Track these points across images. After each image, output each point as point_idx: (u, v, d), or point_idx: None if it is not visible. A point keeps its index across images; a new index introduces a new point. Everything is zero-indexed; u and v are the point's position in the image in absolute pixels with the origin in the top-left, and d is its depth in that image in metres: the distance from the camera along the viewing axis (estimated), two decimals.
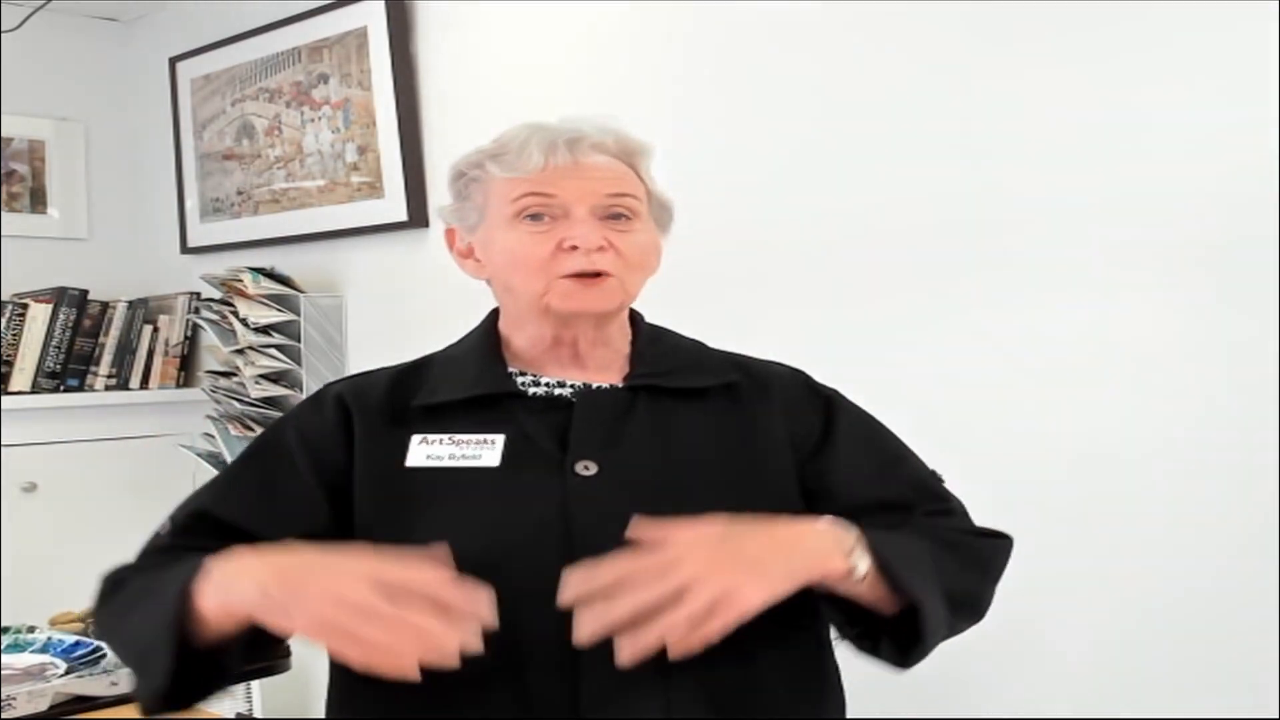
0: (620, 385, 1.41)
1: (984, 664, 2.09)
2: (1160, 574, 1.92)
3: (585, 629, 1.12)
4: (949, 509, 1.42)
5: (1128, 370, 1.95)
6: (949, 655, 2.06)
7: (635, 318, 1.48)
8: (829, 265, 2.27)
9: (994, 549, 1.41)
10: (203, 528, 1.32)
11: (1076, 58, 1.98)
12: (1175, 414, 1.91)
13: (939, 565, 1.28)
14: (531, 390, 1.40)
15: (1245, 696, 1.83)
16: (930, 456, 2.12)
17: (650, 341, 1.46)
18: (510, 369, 1.42)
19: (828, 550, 1.20)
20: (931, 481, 1.44)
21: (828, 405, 1.45)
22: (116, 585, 1.33)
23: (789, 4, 2.31)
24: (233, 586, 1.15)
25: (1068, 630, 2.01)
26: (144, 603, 1.23)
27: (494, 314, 1.48)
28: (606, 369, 1.42)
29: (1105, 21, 1.95)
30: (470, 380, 1.40)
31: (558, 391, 1.40)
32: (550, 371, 1.41)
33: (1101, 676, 1.98)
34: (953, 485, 2.10)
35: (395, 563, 1.14)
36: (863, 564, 1.20)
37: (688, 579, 1.11)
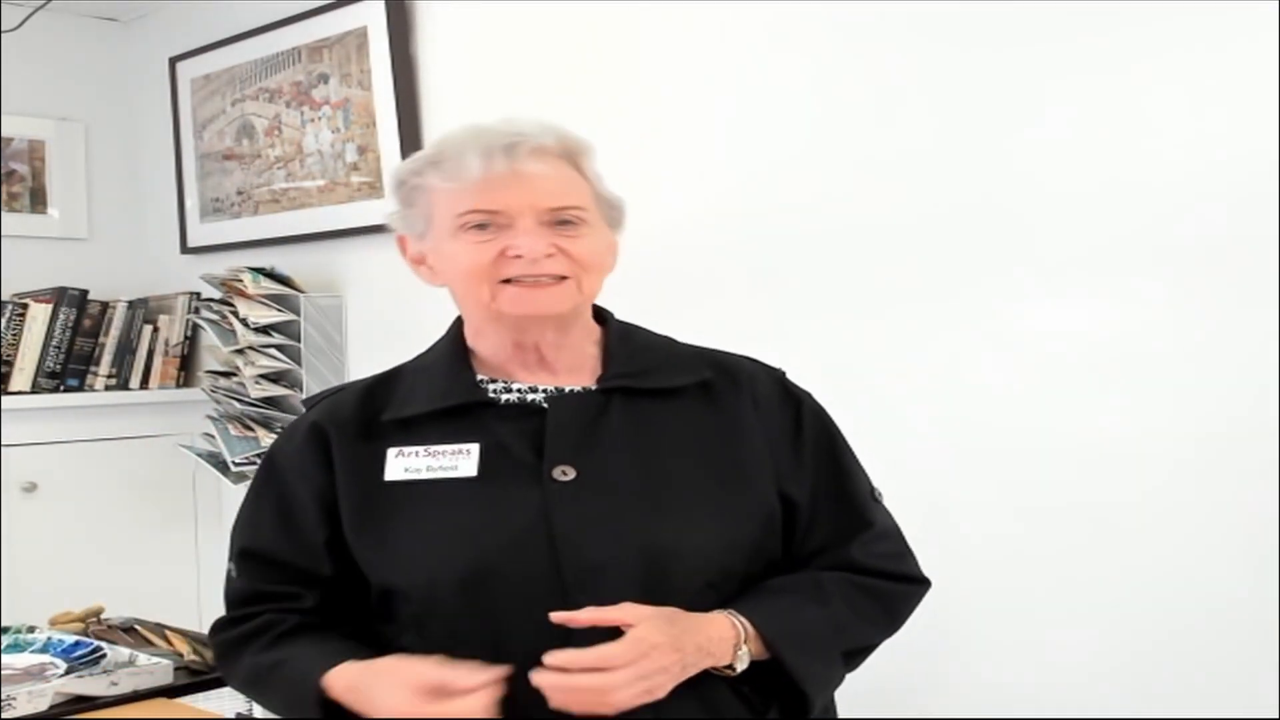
0: (593, 388, 1.40)
1: (984, 663, 2.09)
2: (1160, 573, 1.92)
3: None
4: (880, 534, 1.44)
5: (1129, 369, 1.95)
6: (949, 655, 2.08)
7: (604, 316, 1.47)
8: (830, 266, 2.27)
9: (905, 595, 1.45)
10: (254, 565, 1.42)
11: (1078, 57, 1.98)
12: (1177, 413, 1.91)
13: (841, 628, 1.36)
14: (504, 397, 1.39)
15: (1245, 696, 1.83)
16: (931, 456, 2.13)
17: (620, 340, 1.44)
18: (480, 377, 1.41)
19: (722, 652, 1.30)
20: (868, 507, 1.45)
21: (798, 409, 1.45)
22: (239, 645, 1.41)
23: (781, 4, 2.31)
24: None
25: (1068, 630, 2.01)
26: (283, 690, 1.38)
27: (459, 321, 1.47)
28: (577, 371, 1.41)
29: (1106, 21, 1.95)
30: (441, 391, 1.40)
31: (530, 397, 1.39)
32: (520, 377, 1.40)
33: (1102, 676, 1.98)
34: (954, 486, 2.11)
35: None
36: (742, 664, 1.30)
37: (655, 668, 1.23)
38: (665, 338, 1.48)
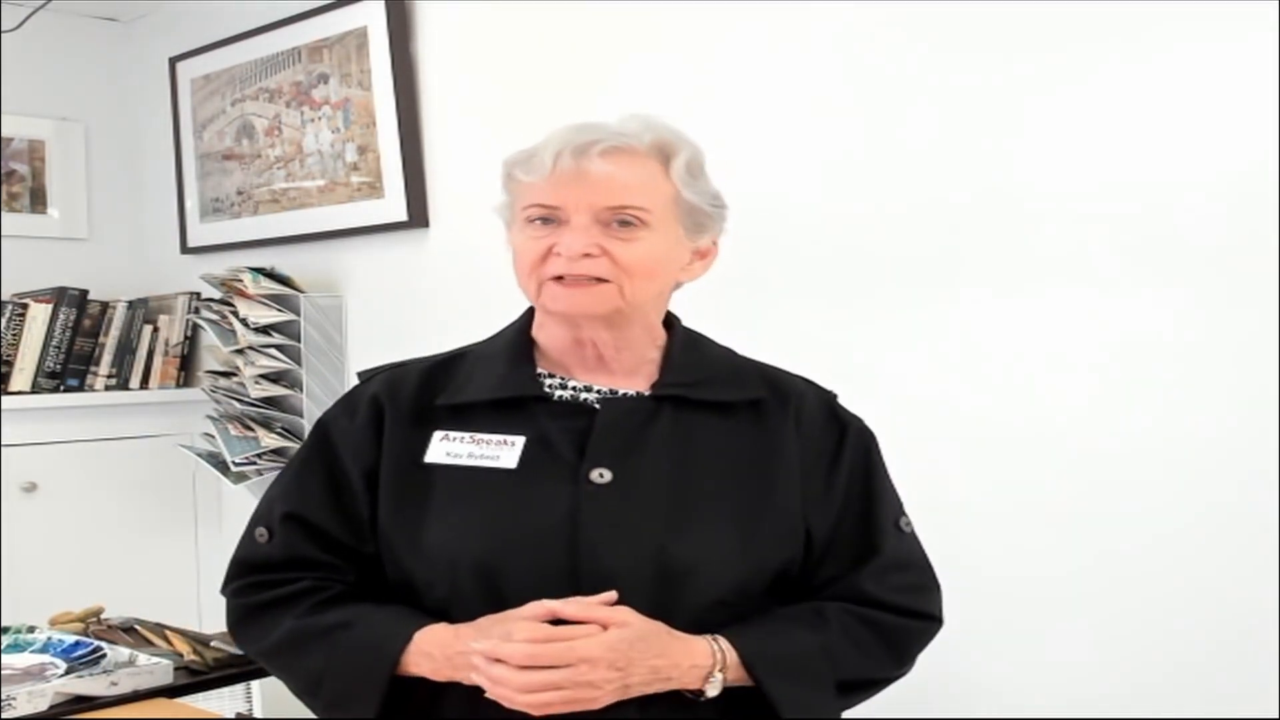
0: (647, 393, 1.40)
1: (984, 664, 2.09)
2: (1160, 573, 1.92)
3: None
4: (895, 564, 1.43)
5: (1129, 369, 1.95)
6: (948, 655, 2.07)
7: (671, 322, 1.47)
8: (832, 265, 2.27)
9: (913, 632, 1.43)
10: (299, 530, 1.40)
11: (1077, 57, 1.98)
12: (1176, 413, 1.91)
13: (833, 657, 1.34)
14: (558, 394, 1.40)
15: (1245, 696, 1.83)
16: (933, 455, 2.13)
17: (683, 349, 1.44)
18: (539, 370, 1.42)
19: (689, 678, 1.29)
20: (886, 534, 1.44)
21: (842, 433, 1.45)
22: (272, 608, 1.40)
23: (780, 5, 2.31)
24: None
25: (1068, 630, 2.01)
26: (333, 656, 1.35)
27: (529, 312, 1.48)
28: (634, 375, 1.42)
29: (1106, 22, 1.95)
30: (497, 381, 1.41)
31: (584, 396, 1.39)
32: (578, 374, 1.41)
33: (1101, 676, 1.98)
34: (954, 485, 2.11)
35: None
36: (713, 689, 1.30)
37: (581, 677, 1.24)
38: (728, 350, 1.48)
